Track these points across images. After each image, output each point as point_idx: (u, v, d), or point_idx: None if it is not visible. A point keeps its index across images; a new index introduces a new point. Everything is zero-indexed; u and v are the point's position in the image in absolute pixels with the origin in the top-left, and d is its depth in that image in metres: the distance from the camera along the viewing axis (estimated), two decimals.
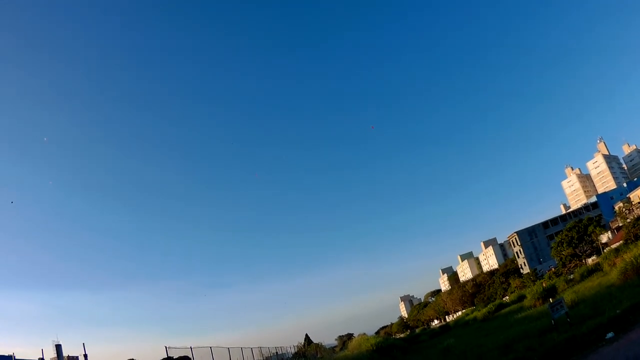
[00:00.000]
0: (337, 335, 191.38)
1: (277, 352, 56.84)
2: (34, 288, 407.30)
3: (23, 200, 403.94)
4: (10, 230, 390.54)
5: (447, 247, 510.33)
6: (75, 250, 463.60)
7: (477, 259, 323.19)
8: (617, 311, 25.86)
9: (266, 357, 50.52)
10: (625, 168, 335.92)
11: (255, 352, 47.44)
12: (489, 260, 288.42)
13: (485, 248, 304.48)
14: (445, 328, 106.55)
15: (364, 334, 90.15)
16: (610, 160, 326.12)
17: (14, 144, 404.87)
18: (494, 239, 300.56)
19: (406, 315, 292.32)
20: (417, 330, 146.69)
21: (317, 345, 71.35)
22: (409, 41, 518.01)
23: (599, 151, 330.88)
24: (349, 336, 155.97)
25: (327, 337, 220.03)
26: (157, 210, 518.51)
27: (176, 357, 43.15)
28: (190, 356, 37.75)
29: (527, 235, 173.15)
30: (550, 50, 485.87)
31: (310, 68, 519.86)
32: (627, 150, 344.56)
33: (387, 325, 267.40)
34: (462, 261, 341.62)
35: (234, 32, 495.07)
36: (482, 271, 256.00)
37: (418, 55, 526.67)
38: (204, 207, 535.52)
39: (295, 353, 59.64)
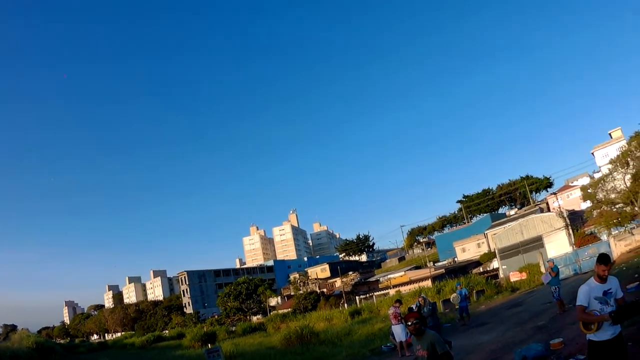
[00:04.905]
0: (3, 323, 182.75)
1: None
2: None
3: None
4: None
5: (118, 265, 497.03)
6: None
7: (144, 285, 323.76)
8: None
9: None
10: (311, 244, 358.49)
11: None
12: (155, 290, 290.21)
13: (154, 277, 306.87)
14: (104, 345, 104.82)
15: (27, 329, 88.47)
16: (298, 232, 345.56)
17: None
18: (164, 271, 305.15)
19: (68, 322, 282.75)
20: (77, 341, 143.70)
21: None
22: None
23: (289, 221, 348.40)
24: (13, 327, 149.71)
25: None
26: None
27: None
28: None
29: (197, 278, 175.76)
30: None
31: None
32: (317, 228, 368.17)
33: (49, 327, 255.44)
34: (129, 283, 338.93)
35: None
36: (147, 299, 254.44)
37: None
38: None
39: None
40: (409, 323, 9.30)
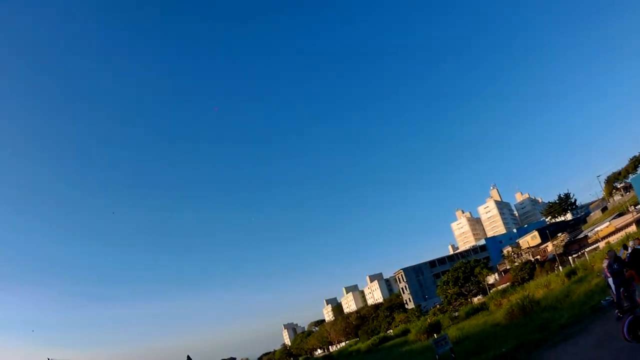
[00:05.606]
0: (220, 358, 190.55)
1: None
2: None
3: None
4: None
5: (332, 278, 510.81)
6: None
7: (362, 292, 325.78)
8: (503, 349, 26.25)
9: None
10: (517, 215, 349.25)
11: None
12: (374, 294, 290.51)
13: (371, 282, 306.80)
14: (329, 358, 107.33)
15: (247, 358, 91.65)
16: (502, 206, 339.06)
17: None
18: (380, 274, 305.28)
19: (289, 343, 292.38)
20: (301, 359, 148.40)
21: None
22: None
23: (492, 197, 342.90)
24: None
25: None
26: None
27: None
28: None
29: (413, 273, 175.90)
30: (453, 95, 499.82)
31: None
32: (519, 198, 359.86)
33: (269, 352, 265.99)
34: (346, 293, 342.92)
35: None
36: (366, 304, 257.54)
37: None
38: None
39: None
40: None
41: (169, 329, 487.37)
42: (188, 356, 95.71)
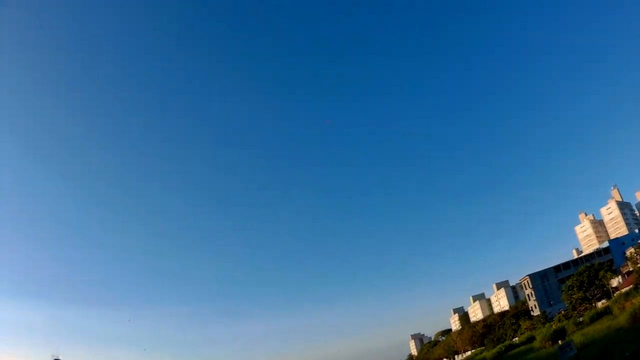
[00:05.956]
0: None
1: None
2: (37, 298, 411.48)
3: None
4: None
5: (459, 287, 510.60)
6: (85, 265, 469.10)
7: (489, 300, 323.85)
8: (627, 353, 25.36)
9: None
10: (638, 214, 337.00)
11: None
12: (500, 302, 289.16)
13: (497, 290, 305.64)
14: None
15: None
16: (623, 206, 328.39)
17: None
18: (506, 282, 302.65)
19: (416, 354, 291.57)
20: None
21: None
22: None
23: (613, 197, 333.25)
24: None
25: None
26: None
27: None
28: None
29: (539, 279, 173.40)
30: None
31: None
32: None
33: None
34: (473, 302, 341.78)
35: None
36: (492, 312, 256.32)
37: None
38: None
39: None
40: None
41: (294, 343, 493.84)
42: None
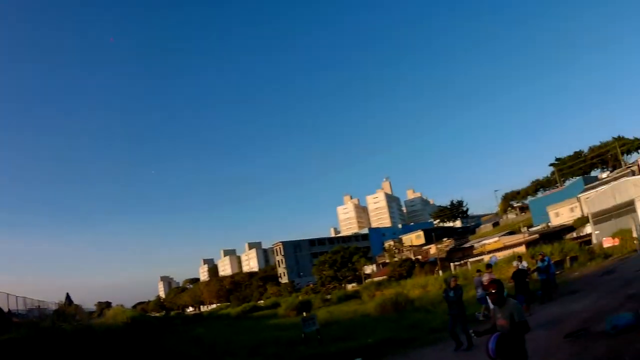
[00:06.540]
0: (97, 301, 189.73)
1: (39, 306, 56.45)
2: None
3: None
4: None
5: (212, 239, 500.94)
6: None
7: (239, 258, 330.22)
8: (369, 340, 26.32)
9: (29, 309, 50.44)
10: (405, 211, 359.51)
11: (20, 301, 47.48)
12: (251, 262, 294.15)
13: (249, 249, 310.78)
14: (199, 317, 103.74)
15: (122, 305, 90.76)
16: (391, 200, 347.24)
17: None
18: (259, 243, 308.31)
19: (163, 296, 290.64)
20: (172, 313, 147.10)
21: (76, 306, 71.53)
22: None
23: (383, 189, 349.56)
24: (108, 304, 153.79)
25: (86, 301, 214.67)
26: None
27: None
28: None
29: (292, 248, 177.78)
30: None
31: None
32: (411, 195, 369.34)
33: (144, 302, 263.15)
34: (224, 256, 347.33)
35: None
36: (242, 270, 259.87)
37: None
38: None
39: (56, 310, 59.29)
40: (490, 292, 9.47)
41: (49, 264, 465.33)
42: (67, 294, 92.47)
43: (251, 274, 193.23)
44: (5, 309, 38.05)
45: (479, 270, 31.50)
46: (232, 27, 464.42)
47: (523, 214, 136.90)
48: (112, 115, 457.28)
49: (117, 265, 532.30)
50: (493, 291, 9.25)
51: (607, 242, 57.11)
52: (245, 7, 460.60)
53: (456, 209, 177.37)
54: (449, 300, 20.17)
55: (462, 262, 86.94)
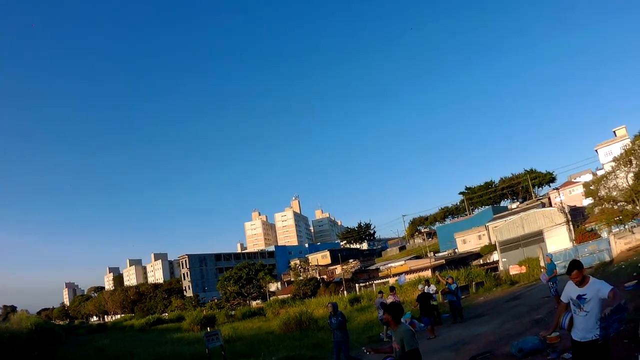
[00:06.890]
0: (2, 305, 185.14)
1: None
2: None
3: None
4: None
5: (119, 248, 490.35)
6: None
7: (145, 268, 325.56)
8: (273, 358, 26.71)
9: None
10: (312, 230, 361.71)
11: None
12: (156, 273, 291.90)
13: (155, 260, 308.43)
14: (103, 327, 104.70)
15: (27, 310, 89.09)
16: (299, 218, 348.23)
17: None
18: (165, 254, 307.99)
19: (68, 303, 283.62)
20: (76, 322, 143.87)
21: None
22: None
23: (291, 207, 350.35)
24: (13, 309, 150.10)
25: None
26: None
27: None
28: None
29: (198, 261, 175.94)
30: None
31: None
32: (319, 215, 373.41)
33: (49, 308, 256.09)
34: (130, 266, 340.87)
35: None
36: (147, 281, 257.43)
37: None
38: None
39: None
40: (383, 314, 9.60)
41: None
42: None
43: (156, 285, 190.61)
44: None
45: (380, 292, 32.67)
46: None
47: (430, 239, 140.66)
48: None
49: (23, 266, 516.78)
50: (385, 314, 9.27)
51: (514, 270, 59.67)
52: None
53: (363, 231, 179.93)
54: (331, 327, 19.45)
55: (367, 283, 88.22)
